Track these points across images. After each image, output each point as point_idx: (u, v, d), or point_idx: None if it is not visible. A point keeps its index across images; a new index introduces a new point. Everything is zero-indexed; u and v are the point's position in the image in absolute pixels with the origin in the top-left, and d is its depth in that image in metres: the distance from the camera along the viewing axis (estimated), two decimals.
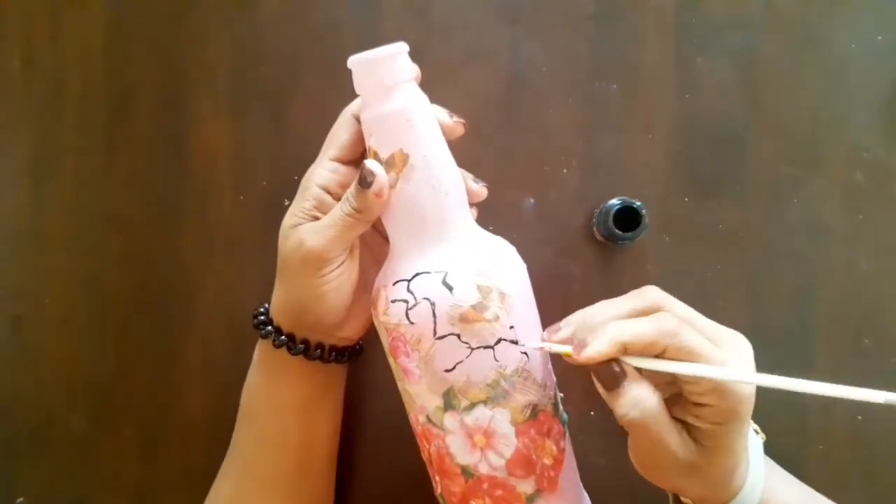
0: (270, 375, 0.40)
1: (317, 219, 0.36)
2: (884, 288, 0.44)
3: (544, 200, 0.46)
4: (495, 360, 0.34)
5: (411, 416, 0.37)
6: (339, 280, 0.36)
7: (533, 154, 0.46)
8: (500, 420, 0.35)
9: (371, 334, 0.39)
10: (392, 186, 0.34)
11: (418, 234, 0.35)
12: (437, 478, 0.37)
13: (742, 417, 0.32)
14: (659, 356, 0.32)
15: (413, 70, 0.35)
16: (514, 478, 0.35)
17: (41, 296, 0.48)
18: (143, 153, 0.48)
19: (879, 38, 0.45)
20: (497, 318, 0.34)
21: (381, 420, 0.46)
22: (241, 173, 0.47)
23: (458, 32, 0.46)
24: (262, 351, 0.41)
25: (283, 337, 0.38)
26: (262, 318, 0.40)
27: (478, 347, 0.34)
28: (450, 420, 0.34)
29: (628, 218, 0.42)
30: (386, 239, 0.38)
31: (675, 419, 0.33)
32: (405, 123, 0.34)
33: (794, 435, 0.45)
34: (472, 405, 0.34)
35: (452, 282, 0.33)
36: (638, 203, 0.42)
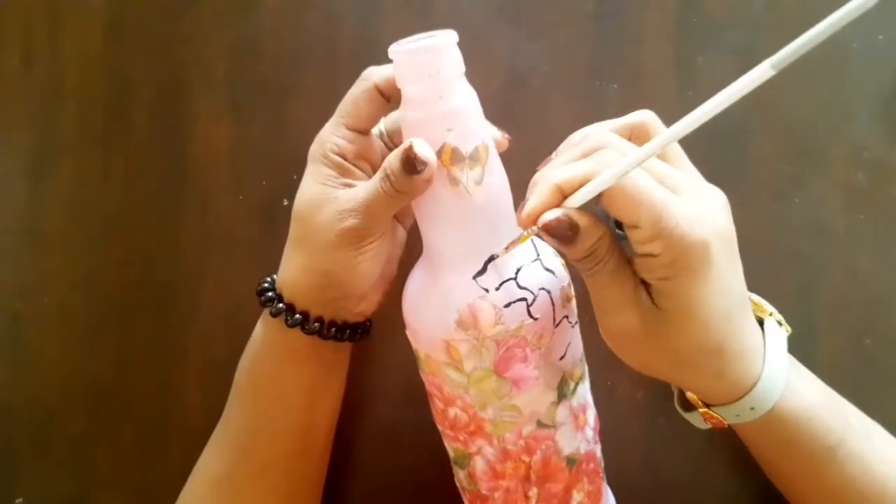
0: (276, 358, 0.38)
1: (347, 186, 0.35)
2: (884, 288, 0.44)
3: None
4: (579, 332, 0.35)
5: (507, 437, 0.33)
6: (376, 252, 0.35)
7: (533, 154, 0.46)
8: (587, 390, 0.36)
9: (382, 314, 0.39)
10: (478, 183, 0.31)
11: (502, 228, 0.32)
12: (534, 491, 0.35)
13: (695, 271, 0.28)
14: (600, 198, 0.28)
15: (462, 64, 0.32)
16: (596, 444, 0.36)
17: (41, 296, 0.48)
18: (143, 153, 0.48)
19: (880, 37, 0.45)
20: (573, 294, 0.35)
21: (380, 419, 0.46)
22: (241, 173, 0.47)
23: (459, 32, 0.46)
24: (267, 330, 0.38)
25: (297, 315, 0.36)
26: (271, 294, 0.37)
27: (575, 323, 0.35)
28: (562, 411, 0.34)
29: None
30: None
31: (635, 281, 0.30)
32: (479, 115, 0.32)
33: None
34: (576, 386, 0.34)
35: (549, 265, 0.33)
36: None
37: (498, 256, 0.31)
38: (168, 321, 0.47)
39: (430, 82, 0.31)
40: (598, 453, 0.37)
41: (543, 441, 0.34)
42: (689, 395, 0.35)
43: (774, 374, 0.32)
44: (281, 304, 0.36)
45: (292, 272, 0.36)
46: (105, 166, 0.48)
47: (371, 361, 0.45)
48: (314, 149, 0.36)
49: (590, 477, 0.36)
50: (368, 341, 0.42)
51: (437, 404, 0.36)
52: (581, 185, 0.29)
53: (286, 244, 0.37)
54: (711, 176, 0.45)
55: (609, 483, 0.41)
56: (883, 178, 0.44)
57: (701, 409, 0.34)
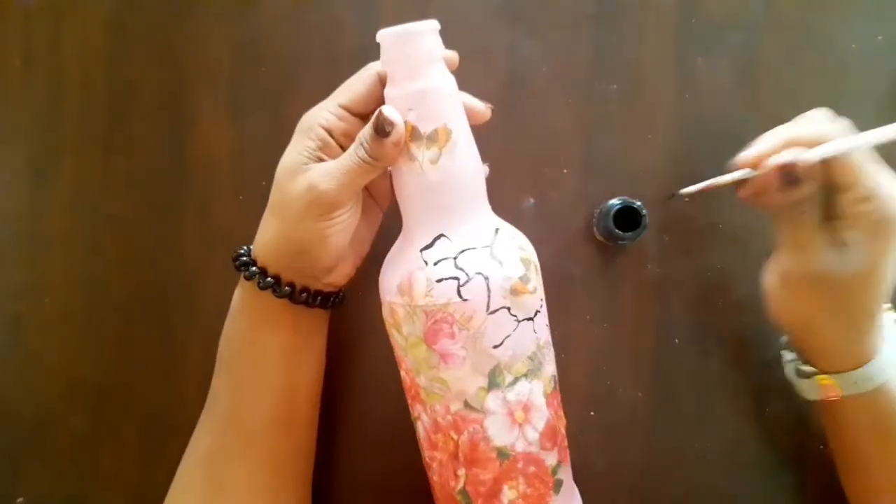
0: (251, 321, 0.39)
1: (321, 160, 0.36)
2: None
3: (544, 200, 0.46)
4: (534, 331, 0.35)
5: (437, 408, 0.35)
6: (345, 224, 0.36)
7: (533, 154, 0.46)
8: (537, 392, 0.35)
9: (356, 283, 0.39)
10: (434, 162, 0.34)
11: (456, 210, 0.34)
12: (462, 471, 0.36)
13: (891, 237, 0.35)
14: (827, 161, 0.35)
15: (442, 50, 0.35)
16: (544, 451, 0.36)
17: (41, 296, 0.48)
18: (143, 153, 0.48)
19: (879, 38, 0.45)
20: (535, 289, 0.35)
21: (380, 417, 0.46)
22: (241, 173, 0.47)
23: (458, 32, 0.46)
24: (242, 295, 0.39)
25: (269, 279, 0.37)
26: (245, 258, 0.38)
27: (523, 319, 0.34)
28: (493, 399, 0.34)
29: (628, 218, 0.42)
30: (370, 196, 0.39)
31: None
32: (448, 99, 0.34)
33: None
34: (515, 380, 0.34)
35: (500, 255, 0.34)
36: (638, 203, 0.42)
37: (445, 237, 0.34)
38: (168, 321, 0.47)
39: (404, 64, 0.33)
40: (549, 461, 0.36)
41: (471, 423, 0.34)
42: (804, 367, 0.39)
43: (891, 354, 0.37)
44: (254, 268, 0.38)
45: (266, 238, 0.37)
46: (105, 167, 0.48)
47: (371, 359, 0.45)
48: (303, 120, 0.37)
49: (529, 480, 0.35)
50: (369, 338, 0.42)
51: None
52: (809, 143, 0.35)
53: (265, 210, 0.38)
54: (712, 176, 0.45)
55: (609, 482, 0.41)
56: None
57: (821, 376, 0.38)
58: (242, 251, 0.39)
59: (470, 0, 0.46)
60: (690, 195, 0.40)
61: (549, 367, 0.36)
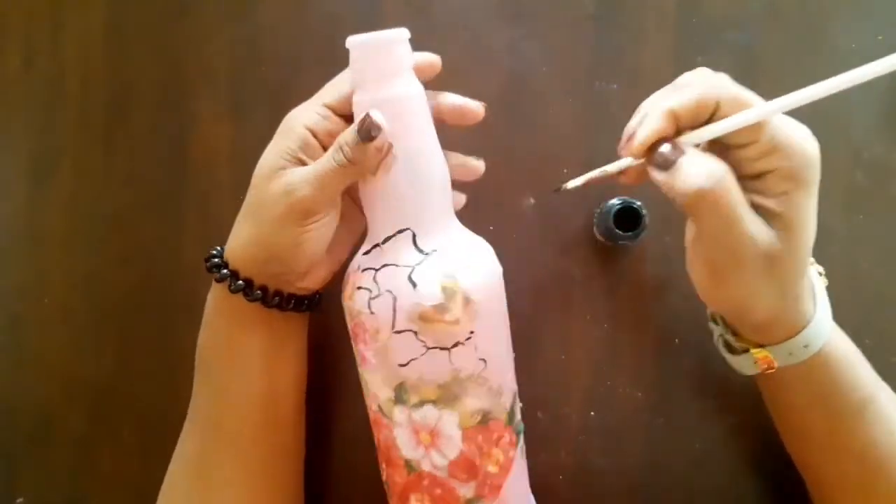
0: (226, 324, 0.38)
1: (302, 162, 0.35)
2: (884, 288, 0.44)
3: (544, 200, 0.46)
4: (450, 362, 0.34)
5: (367, 401, 0.37)
6: (322, 231, 0.35)
7: (533, 154, 0.46)
8: (448, 422, 0.34)
9: (332, 286, 0.39)
10: (373, 174, 0.34)
11: (395, 224, 0.34)
12: (384, 465, 0.37)
13: (810, 183, 0.31)
14: (711, 120, 0.31)
15: (411, 59, 0.34)
16: (456, 480, 0.35)
17: (40, 295, 0.48)
18: (143, 153, 0.48)
19: (879, 38, 0.45)
20: (457, 321, 0.33)
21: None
22: (241, 173, 0.46)
23: (458, 32, 0.46)
24: (215, 298, 0.39)
25: (240, 282, 0.36)
26: (217, 260, 0.38)
27: (433, 347, 0.33)
28: (399, 413, 0.35)
29: (628, 218, 0.42)
30: (353, 201, 0.38)
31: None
32: (394, 114, 0.33)
33: None
34: (422, 403, 0.34)
35: (417, 279, 0.33)
36: (638, 203, 0.42)
37: (380, 247, 0.35)
38: (168, 321, 0.47)
39: (372, 71, 0.33)
40: (462, 491, 0.35)
41: (384, 427, 0.36)
42: (741, 339, 0.36)
43: (824, 317, 0.34)
44: (226, 271, 0.37)
45: (240, 241, 0.37)
46: (105, 166, 0.48)
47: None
48: (286, 120, 0.36)
49: (435, 500, 0.35)
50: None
51: None
52: (694, 111, 0.31)
53: (240, 211, 0.37)
54: None
55: (609, 483, 0.41)
56: (882, 179, 0.45)
57: (754, 350, 0.36)
58: (215, 252, 0.38)
59: (470, 0, 0.46)
60: (577, 188, 0.37)
61: (474, 402, 0.34)
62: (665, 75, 0.45)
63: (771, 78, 0.45)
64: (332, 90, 0.36)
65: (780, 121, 0.31)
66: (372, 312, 0.33)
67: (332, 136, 0.35)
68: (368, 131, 0.32)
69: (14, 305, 0.48)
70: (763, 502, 0.45)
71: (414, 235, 0.34)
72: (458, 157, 0.37)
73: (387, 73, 0.33)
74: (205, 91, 0.47)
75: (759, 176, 0.31)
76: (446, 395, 0.34)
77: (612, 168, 0.35)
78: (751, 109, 0.30)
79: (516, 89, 0.46)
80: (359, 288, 0.34)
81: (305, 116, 0.35)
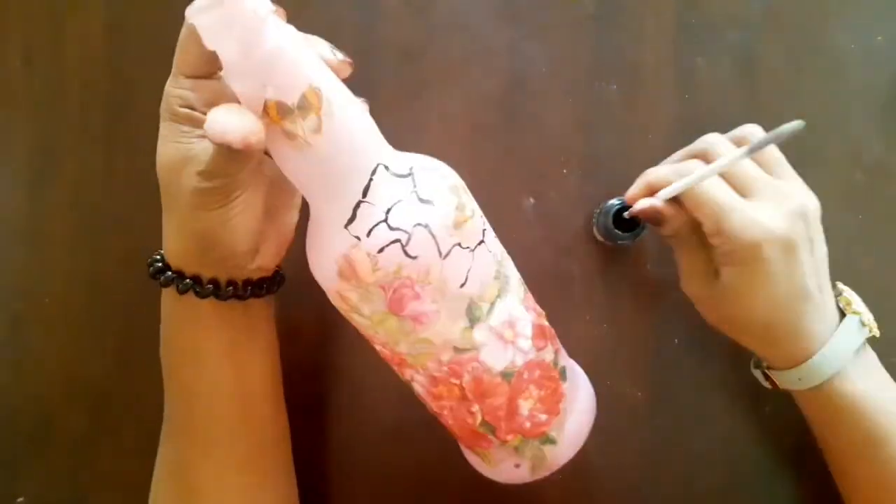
0: (183, 326, 0.36)
1: (202, 137, 0.32)
2: (884, 288, 0.44)
3: (544, 200, 0.46)
4: (489, 251, 0.33)
5: (429, 366, 0.34)
6: (246, 204, 0.33)
7: (533, 154, 0.46)
8: (514, 304, 0.34)
9: (291, 263, 0.37)
10: (317, 131, 0.29)
11: (360, 167, 0.31)
12: (476, 407, 0.35)
13: (747, 264, 0.36)
14: (681, 197, 0.38)
15: (266, 5, 0.29)
16: (540, 350, 0.35)
17: (41, 295, 0.48)
18: (144, 153, 0.47)
19: (879, 38, 0.45)
20: (473, 210, 0.33)
21: (380, 418, 0.46)
22: None
23: (458, 32, 0.46)
24: (167, 301, 0.36)
25: (187, 280, 0.34)
26: (159, 264, 0.35)
27: (476, 246, 0.32)
28: (479, 333, 0.33)
29: (625, 218, 0.42)
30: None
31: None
32: (300, 57, 0.29)
33: None
34: (492, 306, 0.33)
35: (427, 195, 0.31)
36: None
37: (365, 202, 0.30)
38: None
39: (231, 39, 0.28)
40: (548, 357, 0.36)
41: (468, 363, 0.33)
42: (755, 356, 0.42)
43: (831, 358, 0.37)
44: (169, 273, 0.35)
45: (170, 239, 0.35)
46: (106, 166, 0.48)
47: (370, 360, 0.45)
48: (162, 106, 0.33)
49: (538, 383, 0.35)
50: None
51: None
52: (661, 183, 0.39)
53: (163, 211, 0.35)
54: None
55: (609, 483, 0.41)
56: (882, 178, 0.45)
57: (763, 366, 0.41)
58: (157, 257, 0.36)
59: (470, 0, 0.46)
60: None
61: (514, 275, 0.35)
62: (665, 75, 0.46)
63: (771, 78, 0.45)
64: (181, 55, 0.32)
65: (730, 211, 0.36)
66: (414, 257, 0.30)
67: (211, 101, 0.32)
68: (219, 145, 0.29)
69: (14, 305, 0.48)
70: (763, 502, 0.45)
71: (385, 166, 0.31)
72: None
73: (250, 32, 0.28)
74: None
75: (715, 250, 0.37)
76: (502, 283, 0.34)
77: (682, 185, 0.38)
78: (683, 181, 0.37)
79: (516, 89, 0.46)
80: (381, 250, 0.30)
81: (174, 94, 0.33)
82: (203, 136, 0.32)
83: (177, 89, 0.33)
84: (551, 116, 0.45)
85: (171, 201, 0.34)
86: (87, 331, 0.48)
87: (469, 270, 0.32)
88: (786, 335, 0.38)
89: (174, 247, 0.35)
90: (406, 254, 0.30)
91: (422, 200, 0.31)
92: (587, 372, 0.40)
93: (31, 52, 0.48)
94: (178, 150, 0.32)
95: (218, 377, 0.37)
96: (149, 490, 0.41)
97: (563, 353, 0.38)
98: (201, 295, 0.34)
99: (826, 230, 0.44)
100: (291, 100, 0.28)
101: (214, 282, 0.35)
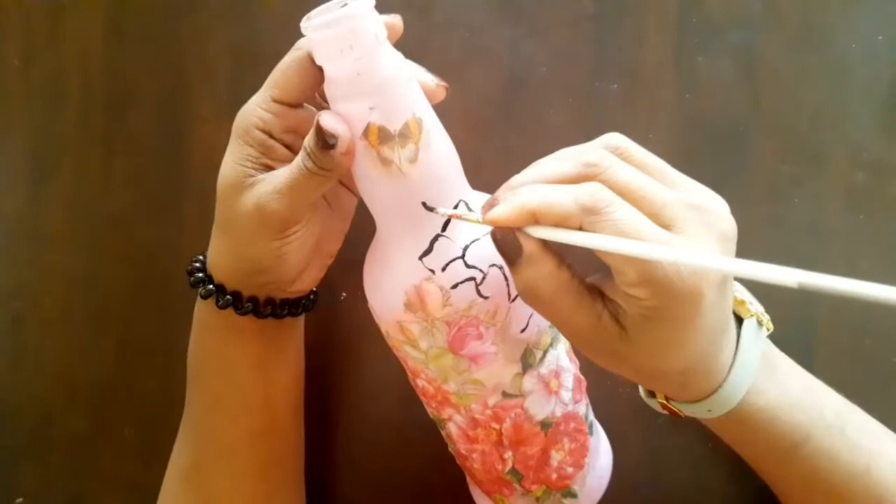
0: (217, 336, 0.36)
1: (266, 166, 0.32)
2: None
3: None
4: None
5: (473, 407, 0.33)
6: (302, 239, 0.33)
7: (533, 154, 0.46)
8: (562, 354, 0.34)
9: (352, 283, 0.37)
10: (413, 161, 0.29)
11: (444, 200, 0.31)
12: (509, 454, 0.35)
13: (680, 320, 0.26)
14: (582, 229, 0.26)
15: (383, 28, 0.29)
16: (577, 403, 0.35)
17: (41, 295, 0.48)
18: (143, 153, 0.48)
19: (880, 37, 0.45)
20: None
21: (380, 419, 0.46)
22: None
23: (458, 32, 0.46)
24: (203, 311, 0.37)
25: (227, 297, 0.34)
26: (201, 274, 0.35)
27: None
28: (529, 380, 0.33)
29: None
30: (341, 184, 0.36)
31: (604, 297, 0.28)
32: (408, 84, 0.29)
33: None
34: (545, 353, 0.33)
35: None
36: None
37: (444, 236, 0.30)
38: (168, 321, 0.47)
39: (345, 57, 0.28)
40: (582, 411, 0.36)
41: (512, 409, 0.33)
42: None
43: (739, 380, 0.31)
44: (211, 286, 0.35)
45: (220, 255, 0.35)
46: (105, 166, 0.48)
47: (370, 360, 0.45)
48: (237, 122, 0.32)
49: (571, 436, 0.35)
50: (368, 339, 0.42)
51: (408, 373, 0.36)
52: (557, 220, 0.26)
53: (214, 223, 0.35)
54: (712, 176, 0.45)
55: (609, 483, 0.41)
56: (883, 178, 0.44)
57: (660, 400, 0.33)
58: (198, 264, 0.36)
59: (470, 0, 0.46)
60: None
61: None
62: (665, 75, 0.46)
63: (771, 78, 0.45)
64: (279, 79, 0.32)
65: (667, 248, 0.25)
66: (486, 297, 0.30)
67: (291, 131, 0.32)
68: (325, 140, 0.29)
69: (14, 305, 0.48)
70: (763, 502, 0.45)
71: (467, 203, 0.31)
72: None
73: (367, 55, 0.28)
74: (205, 91, 0.47)
75: (628, 296, 0.27)
76: (554, 331, 0.33)
77: (465, 216, 0.30)
78: (617, 241, 0.25)
79: (516, 89, 0.45)
80: (455, 287, 0.30)
81: (257, 116, 0.32)
82: (267, 166, 0.32)
83: (261, 111, 0.32)
84: (551, 116, 0.45)
85: (225, 221, 0.34)
86: (87, 331, 0.48)
87: (530, 316, 0.32)
88: (700, 373, 0.30)
89: (221, 264, 0.35)
90: (479, 293, 0.30)
91: None
92: (587, 371, 0.40)
93: (31, 52, 0.48)
94: (242, 172, 0.32)
95: (245, 388, 0.37)
96: (149, 489, 0.41)
97: (590, 407, 0.38)
98: (241, 312, 0.35)
99: (826, 230, 0.45)
100: (395, 127, 0.29)
101: (254, 300, 0.35)
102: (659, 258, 0.25)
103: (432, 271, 0.30)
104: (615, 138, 0.29)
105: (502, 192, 0.29)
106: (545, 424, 0.34)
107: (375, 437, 0.46)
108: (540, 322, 0.33)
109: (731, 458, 0.45)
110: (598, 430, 0.39)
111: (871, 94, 0.45)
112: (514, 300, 0.31)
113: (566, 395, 0.35)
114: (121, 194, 0.48)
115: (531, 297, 0.28)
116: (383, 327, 0.34)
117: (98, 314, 0.48)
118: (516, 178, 0.29)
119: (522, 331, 0.32)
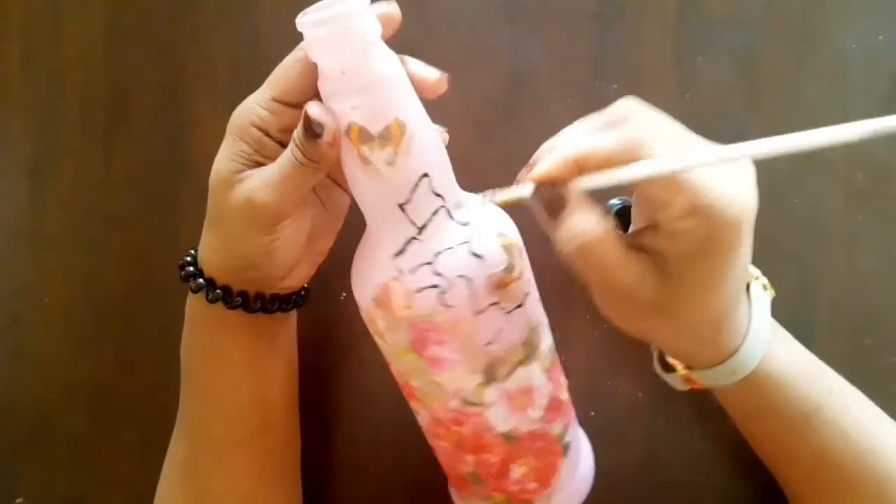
0: (208, 331, 0.36)
1: (259, 164, 0.32)
2: (884, 288, 0.44)
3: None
4: (526, 315, 0.33)
5: (435, 406, 0.34)
6: (292, 235, 0.33)
7: (533, 154, 0.46)
8: (535, 374, 0.34)
9: (317, 279, 0.38)
10: (391, 164, 0.29)
11: (424, 205, 0.31)
12: (470, 458, 0.35)
13: (725, 250, 0.27)
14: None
15: (378, 27, 0.29)
16: (549, 423, 0.35)
17: (40, 295, 0.48)
18: (143, 153, 0.48)
19: (880, 37, 0.45)
20: (522, 273, 0.32)
21: (380, 420, 0.46)
22: None
23: (458, 32, 0.46)
24: (194, 305, 0.36)
25: (217, 290, 0.34)
26: (192, 268, 0.35)
27: (513, 309, 0.32)
28: (491, 393, 0.32)
29: (628, 218, 0.42)
30: (334, 182, 0.36)
31: (645, 251, 0.29)
32: (395, 87, 0.29)
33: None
34: (513, 370, 0.33)
35: (480, 250, 0.31)
36: None
37: (418, 240, 0.30)
38: (168, 321, 0.47)
39: (335, 55, 0.28)
40: (555, 431, 0.35)
41: (472, 417, 0.33)
42: (670, 359, 0.35)
43: (757, 339, 0.32)
44: (201, 280, 0.35)
45: (210, 251, 0.35)
46: (105, 166, 0.48)
47: (369, 356, 0.45)
48: (234, 118, 0.33)
49: (538, 455, 0.34)
50: (367, 339, 0.42)
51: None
52: (602, 164, 0.27)
53: (206, 217, 0.35)
54: None
55: (609, 483, 0.41)
56: (883, 178, 0.44)
57: (682, 372, 0.34)
58: (189, 259, 0.36)
59: (470, 0, 0.46)
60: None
61: (546, 341, 0.34)
62: (665, 75, 0.46)
63: (771, 78, 0.45)
64: (279, 80, 0.32)
65: (705, 181, 0.26)
66: (449, 307, 0.30)
67: (287, 130, 0.32)
68: (311, 129, 0.29)
69: (14, 305, 0.48)
70: (763, 502, 0.45)
71: (448, 211, 0.31)
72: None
73: (355, 54, 0.28)
74: (204, 91, 0.47)
75: (672, 236, 0.27)
76: (529, 349, 0.33)
77: (504, 196, 0.31)
78: (648, 162, 0.27)
79: (516, 89, 0.45)
80: (419, 291, 0.30)
81: (254, 113, 0.32)
82: (259, 163, 0.32)
83: (260, 108, 0.32)
84: (551, 116, 0.45)
85: (216, 215, 0.34)
86: (87, 331, 0.48)
87: (499, 331, 0.32)
88: (727, 324, 0.31)
89: (212, 258, 0.35)
90: (441, 301, 0.30)
91: (473, 254, 0.31)
92: (587, 371, 0.40)
93: (31, 52, 0.48)
94: (233, 168, 0.32)
95: (238, 382, 0.37)
96: (149, 490, 0.41)
97: (573, 428, 0.37)
98: (231, 306, 0.35)
99: (826, 230, 0.45)
100: (375, 129, 0.29)
101: (244, 294, 0.35)
102: (727, 158, 0.26)
103: (401, 272, 0.31)
104: (629, 101, 0.30)
105: (539, 154, 0.30)
106: (508, 436, 0.34)
107: (374, 438, 0.46)
108: (511, 338, 0.32)
109: (731, 457, 0.45)
110: (579, 452, 0.39)
111: (871, 94, 0.45)
112: (479, 314, 0.31)
113: (535, 414, 0.34)
114: (120, 194, 0.48)
115: (578, 250, 0.28)
116: (362, 314, 0.34)
117: (98, 314, 0.48)
118: (547, 143, 0.30)
119: (487, 344, 0.32)
